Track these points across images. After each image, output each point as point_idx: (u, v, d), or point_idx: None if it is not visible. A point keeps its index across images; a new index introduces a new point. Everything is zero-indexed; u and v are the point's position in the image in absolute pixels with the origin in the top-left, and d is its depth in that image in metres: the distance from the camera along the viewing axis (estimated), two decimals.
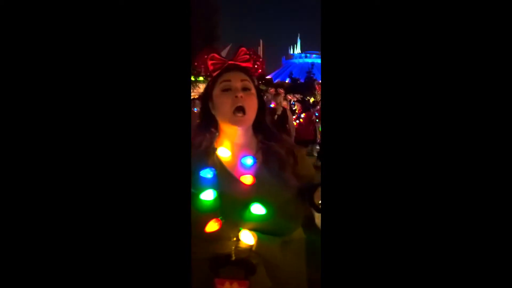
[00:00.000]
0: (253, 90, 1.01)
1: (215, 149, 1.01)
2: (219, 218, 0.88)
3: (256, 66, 1.08)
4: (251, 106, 0.99)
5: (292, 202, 0.92)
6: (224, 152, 1.01)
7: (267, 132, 1.04)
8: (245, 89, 0.99)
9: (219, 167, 0.98)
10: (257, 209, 0.89)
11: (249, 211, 0.90)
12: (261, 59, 1.09)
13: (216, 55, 1.06)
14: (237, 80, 1.00)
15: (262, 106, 1.06)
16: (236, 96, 0.96)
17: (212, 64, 1.06)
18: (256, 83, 1.06)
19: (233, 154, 1.02)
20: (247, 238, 0.87)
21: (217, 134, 1.05)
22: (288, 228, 0.94)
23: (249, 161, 0.99)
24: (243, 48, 1.06)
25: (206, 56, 1.07)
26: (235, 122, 0.98)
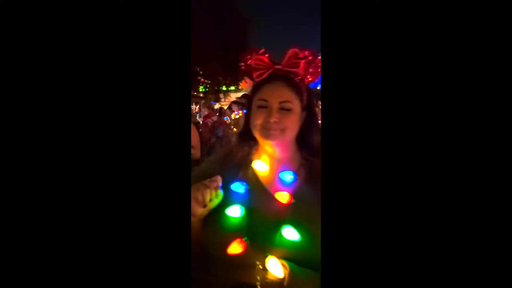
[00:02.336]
0: (296, 109, 0.88)
1: (251, 162, 0.90)
2: (243, 239, 0.77)
3: (309, 72, 0.86)
4: (289, 126, 0.87)
5: None
6: (260, 165, 0.90)
7: (313, 148, 0.89)
8: (284, 109, 0.86)
9: (253, 181, 0.88)
10: (289, 233, 0.76)
11: (280, 235, 0.77)
12: (315, 63, 0.88)
13: (263, 58, 0.86)
14: (274, 101, 0.86)
15: (311, 121, 0.92)
16: (269, 121, 0.85)
17: (255, 68, 0.86)
18: (304, 95, 0.88)
19: (271, 169, 0.90)
20: (275, 268, 0.74)
21: (256, 146, 0.94)
22: None
23: (288, 176, 0.86)
24: (295, 49, 0.85)
25: (249, 58, 0.87)
26: (268, 138, 0.86)
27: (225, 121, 6.09)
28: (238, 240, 0.77)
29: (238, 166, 0.91)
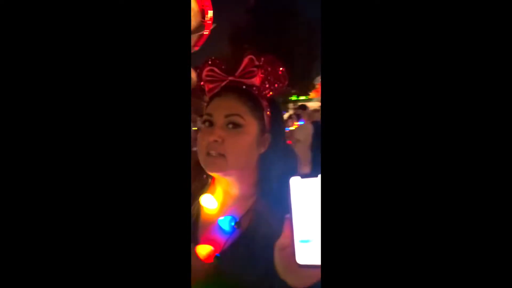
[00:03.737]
0: (250, 128, 0.69)
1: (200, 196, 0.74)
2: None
3: (269, 83, 0.68)
4: (233, 151, 0.68)
5: None
6: (209, 201, 0.73)
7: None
8: (234, 125, 0.67)
9: (193, 219, 0.73)
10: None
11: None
12: (280, 71, 0.69)
13: (214, 68, 0.70)
14: (219, 114, 0.68)
15: (279, 150, 0.72)
16: (214, 140, 0.67)
17: (208, 81, 0.71)
18: (265, 113, 0.68)
19: (222, 208, 0.73)
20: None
21: (209, 179, 0.77)
22: None
23: (226, 225, 0.68)
24: (250, 56, 0.68)
25: (203, 69, 0.72)
26: (208, 167, 0.69)
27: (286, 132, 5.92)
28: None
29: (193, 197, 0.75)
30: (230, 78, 0.71)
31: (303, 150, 4.23)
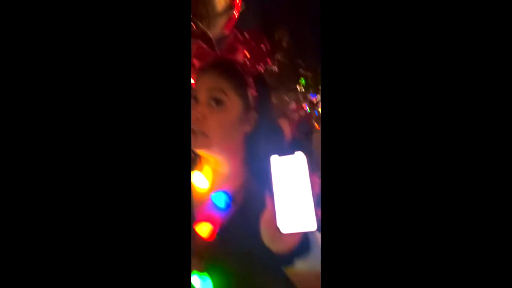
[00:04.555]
0: (233, 105, 0.68)
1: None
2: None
3: (249, 58, 0.68)
4: (218, 127, 0.67)
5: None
6: (200, 180, 0.73)
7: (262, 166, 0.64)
8: (216, 101, 0.67)
9: None
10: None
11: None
12: (264, 46, 0.68)
13: (202, 45, 0.71)
14: (203, 91, 0.68)
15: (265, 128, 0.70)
16: (197, 117, 0.67)
17: (198, 58, 0.72)
18: (251, 90, 0.68)
19: (213, 185, 0.72)
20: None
21: (197, 157, 0.76)
22: None
23: (221, 199, 0.68)
24: (235, 31, 0.68)
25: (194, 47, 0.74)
26: (192, 143, 0.68)
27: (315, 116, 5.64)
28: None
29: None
30: (216, 53, 0.71)
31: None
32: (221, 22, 1.93)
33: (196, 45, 0.74)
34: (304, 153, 0.55)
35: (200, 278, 0.64)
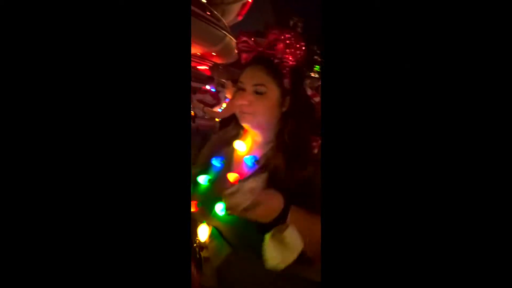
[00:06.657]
0: (271, 94, 0.87)
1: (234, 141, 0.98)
2: (196, 203, 0.89)
3: (286, 55, 0.84)
4: (259, 111, 0.88)
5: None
6: (240, 145, 0.97)
7: (290, 138, 0.89)
8: (259, 93, 0.87)
9: (227, 158, 0.96)
10: (219, 208, 0.84)
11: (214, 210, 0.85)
12: (299, 44, 0.85)
13: (248, 40, 0.88)
14: (248, 84, 0.88)
15: (297, 108, 0.90)
16: (243, 104, 0.88)
17: (242, 51, 0.89)
18: (285, 80, 0.88)
19: (249, 151, 0.96)
20: (201, 233, 0.86)
21: (241, 130, 1.00)
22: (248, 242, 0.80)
23: (249, 160, 0.91)
24: (276, 31, 0.84)
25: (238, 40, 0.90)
26: (241, 120, 0.91)
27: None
28: (193, 202, 0.88)
29: (225, 143, 1.00)
30: (259, 49, 0.88)
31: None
32: (236, 9, 2.03)
33: (240, 40, 0.90)
34: None
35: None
